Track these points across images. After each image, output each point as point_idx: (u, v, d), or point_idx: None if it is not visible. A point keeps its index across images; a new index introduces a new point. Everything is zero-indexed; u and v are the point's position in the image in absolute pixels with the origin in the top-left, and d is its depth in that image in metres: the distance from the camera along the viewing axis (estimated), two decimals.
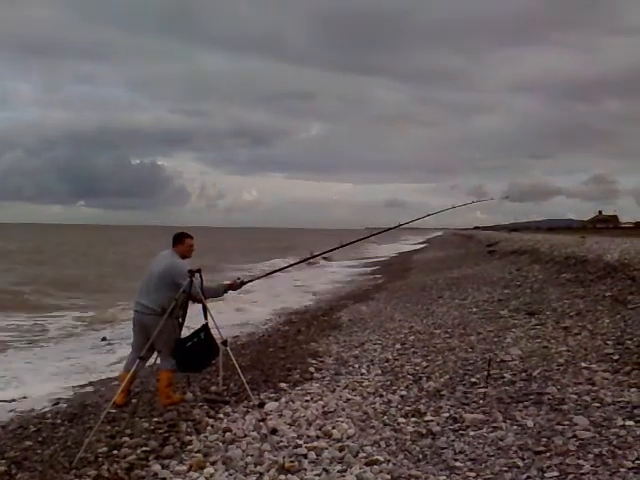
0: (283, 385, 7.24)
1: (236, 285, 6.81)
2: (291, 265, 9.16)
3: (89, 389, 8.59)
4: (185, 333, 6.64)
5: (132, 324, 6.81)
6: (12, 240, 70.21)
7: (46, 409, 7.37)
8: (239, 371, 6.12)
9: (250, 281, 7.03)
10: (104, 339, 12.81)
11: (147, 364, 6.77)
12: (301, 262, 9.34)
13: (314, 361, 8.50)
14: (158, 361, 6.72)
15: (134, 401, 6.92)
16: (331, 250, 8.90)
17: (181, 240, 6.80)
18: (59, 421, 6.68)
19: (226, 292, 6.88)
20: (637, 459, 4.25)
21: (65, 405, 7.50)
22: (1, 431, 6.53)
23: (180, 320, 6.61)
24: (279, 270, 8.62)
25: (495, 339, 8.79)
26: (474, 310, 11.89)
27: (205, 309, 6.44)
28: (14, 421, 6.95)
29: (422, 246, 64.98)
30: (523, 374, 6.66)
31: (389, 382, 7.02)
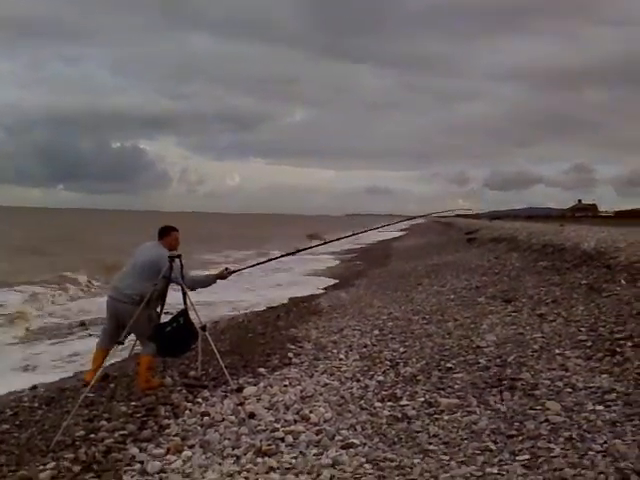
0: (262, 370, 7.28)
1: (224, 275, 6.86)
2: (281, 256, 9.24)
3: (68, 374, 8.57)
4: (164, 318, 6.67)
5: (106, 309, 6.83)
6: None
7: (23, 393, 7.34)
8: (218, 356, 6.16)
9: (238, 270, 7.09)
10: (82, 324, 12.75)
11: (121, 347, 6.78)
12: (291, 254, 9.35)
13: (293, 346, 8.56)
14: (139, 346, 6.75)
15: (112, 385, 6.93)
16: (322, 244, 9.13)
17: (168, 233, 6.87)
18: (36, 405, 6.67)
19: (215, 282, 6.94)
20: (605, 443, 4.36)
21: (42, 389, 7.48)
22: None
23: (159, 310, 6.67)
24: (267, 261, 8.59)
25: (472, 325, 8.90)
26: (452, 297, 12.02)
27: (185, 295, 6.47)
28: None
29: (403, 234, 65.26)
30: (498, 360, 6.77)
31: (367, 367, 7.09)
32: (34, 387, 7.67)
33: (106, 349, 6.64)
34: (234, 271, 6.96)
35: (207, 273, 7.09)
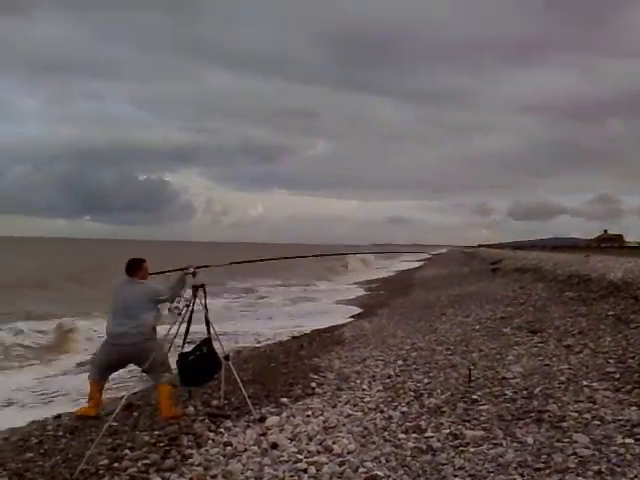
0: (285, 400, 7.24)
1: (191, 272, 6.66)
2: (256, 261, 8.82)
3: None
4: (188, 348, 6.69)
5: (106, 355, 6.82)
6: (34, 257, 68.08)
7: (48, 421, 7.38)
8: (240, 385, 6.14)
9: (205, 266, 6.90)
10: None
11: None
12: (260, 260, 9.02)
13: (316, 376, 8.51)
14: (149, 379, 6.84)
15: (135, 414, 6.95)
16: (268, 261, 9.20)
17: (140, 266, 6.90)
18: (61, 433, 6.69)
19: (184, 281, 6.76)
20: (636, 477, 4.25)
21: (67, 418, 7.51)
22: (3, 442, 6.55)
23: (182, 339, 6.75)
24: (241, 262, 8.14)
25: (497, 356, 8.79)
26: (477, 327, 11.89)
27: (208, 324, 6.50)
28: (16, 432, 6.97)
29: (425, 264, 64.89)
30: (524, 392, 6.66)
31: (390, 398, 7.03)
32: (58, 416, 7.70)
33: (102, 382, 6.79)
34: (200, 267, 6.76)
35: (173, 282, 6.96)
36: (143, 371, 6.65)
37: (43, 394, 9.54)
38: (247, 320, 18.96)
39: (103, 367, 6.90)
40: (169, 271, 7.22)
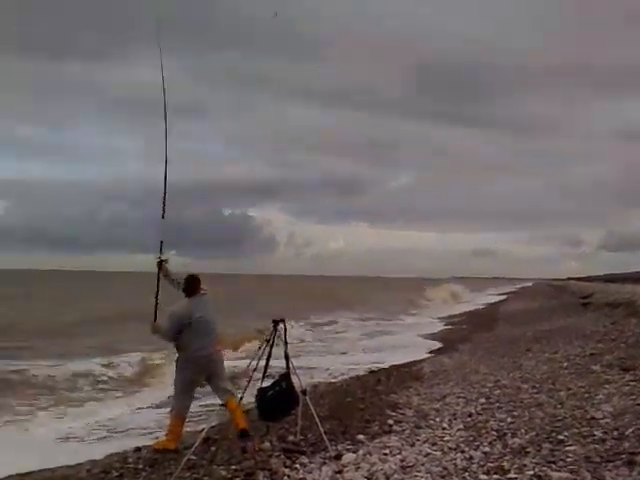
0: (361, 437, 7.11)
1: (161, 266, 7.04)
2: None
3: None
4: (266, 382, 6.74)
5: (190, 373, 7.01)
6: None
7: (128, 454, 7.56)
8: (317, 421, 6.10)
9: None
10: None
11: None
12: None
13: (393, 413, 8.33)
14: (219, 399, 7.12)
15: (213, 449, 7.00)
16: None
17: (200, 282, 7.14)
18: (141, 466, 6.83)
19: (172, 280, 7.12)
20: None
21: (146, 451, 7.67)
22: (85, 474, 6.75)
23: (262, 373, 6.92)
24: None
25: (586, 395, 8.31)
26: (565, 364, 11.32)
27: (287, 358, 6.53)
28: (97, 464, 7.17)
29: (510, 297, 62.91)
30: (615, 432, 6.24)
31: (472, 437, 6.76)
32: (138, 449, 7.86)
33: (184, 416, 6.96)
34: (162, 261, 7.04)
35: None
36: (212, 387, 6.84)
37: (124, 426, 9.80)
38: (323, 354, 18.92)
39: (186, 388, 7.05)
40: None
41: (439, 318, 34.53)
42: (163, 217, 7.10)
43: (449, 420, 7.71)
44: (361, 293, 72.25)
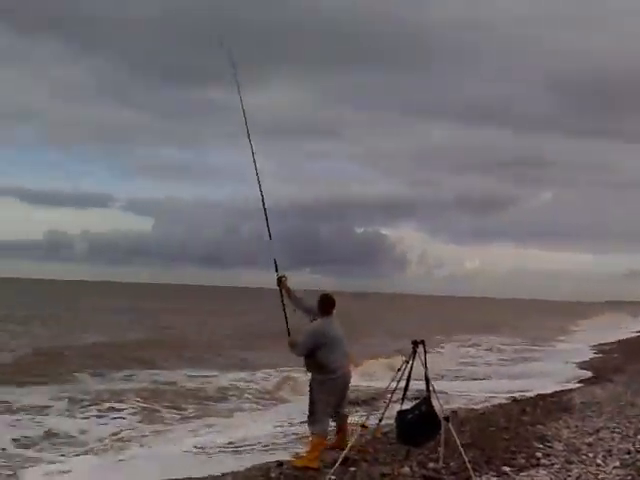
0: (506, 469, 6.78)
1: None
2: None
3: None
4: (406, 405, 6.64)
5: (331, 393, 7.08)
6: None
7: (271, 468, 7.72)
8: (461, 449, 5.91)
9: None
10: None
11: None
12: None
13: (541, 445, 7.87)
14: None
15: (352, 469, 6.99)
16: None
17: (335, 302, 7.16)
18: None
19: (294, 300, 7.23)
20: None
21: (286, 467, 7.80)
22: None
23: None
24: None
25: None
26: None
27: (427, 381, 6.41)
28: (239, 476, 7.37)
29: None
30: None
31: (630, 477, 6.24)
32: (280, 464, 8.01)
33: (327, 437, 7.10)
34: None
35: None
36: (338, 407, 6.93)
37: (263, 440, 10.04)
38: (463, 378, 18.36)
39: (328, 408, 7.15)
40: None
41: (590, 345, 32.36)
42: (270, 238, 7.40)
43: (603, 456, 7.19)
44: (502, 315, 69.53)
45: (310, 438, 7.36)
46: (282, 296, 7.25)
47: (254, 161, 7.73)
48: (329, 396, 7.08)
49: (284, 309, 7.24)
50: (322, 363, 7.01)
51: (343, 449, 6.90)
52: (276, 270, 7.29)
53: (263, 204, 7.60)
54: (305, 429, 8.24)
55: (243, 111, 7.88)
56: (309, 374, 7.30)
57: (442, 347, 28.52)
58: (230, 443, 9.84)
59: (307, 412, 7.42)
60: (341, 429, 7.52)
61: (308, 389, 7.35)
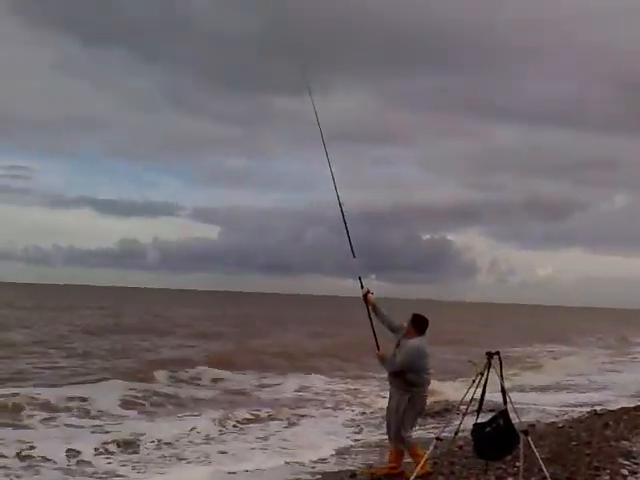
0: None
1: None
2: None
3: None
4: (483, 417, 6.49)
5: (418, 405, 7.06)
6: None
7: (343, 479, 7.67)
8: (541, 464, 5.72)
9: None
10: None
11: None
12: None
13: (627, 462, 7.52)
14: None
15: None
16: None
17: (428, 323, 7.16)
18: None
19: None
20: None
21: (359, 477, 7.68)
22: None
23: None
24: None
25: None
26: None
27: (504, 393, 6.25)
28: None
29: None
30: None
31: None
32: (353, 474, 7.93)
33: (402, 448, 7.09)
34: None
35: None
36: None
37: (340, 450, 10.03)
38: (538, 390, 17.79)
39: (414, 422, 7.19)
40: None
41: None
42: (354, 256, 7.42)
43: None
44: (581, 324, 67.19)
45: (393, 451, 7.29)
46: (369, 311, 7.28)
47: (332, 177, 7.79)
48: (414, 411, 7.02)
49: (371, 323, 7.26)
50: (413, 380, 6.99)
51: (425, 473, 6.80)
52: (361, 287, 7.34)
53: (345, 224, 7.60)
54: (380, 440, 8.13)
55: (318, 124, 7.96)
56: (391, 387, 7.25)
57: (518, 357, 27.78)
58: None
59: (388, 425, 7.35)
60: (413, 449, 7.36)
61: (389, 403, 7.26)
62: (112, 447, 9.72)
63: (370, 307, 7.30)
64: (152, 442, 10.11)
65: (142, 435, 10.42)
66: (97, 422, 11.63)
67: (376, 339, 7.21)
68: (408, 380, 6.96)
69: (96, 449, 9.48)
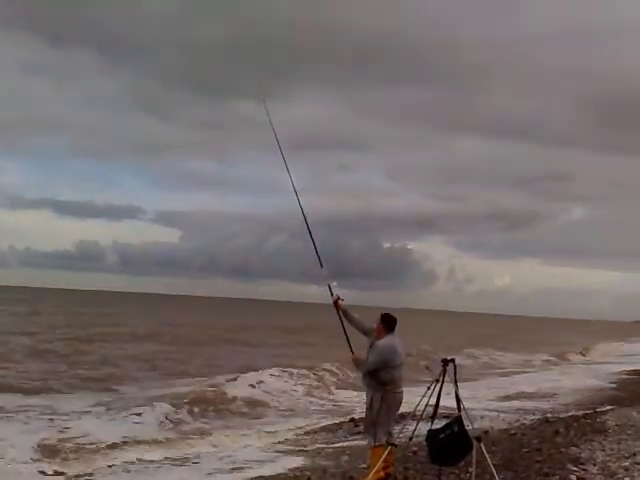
0: None
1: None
2: None
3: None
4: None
5: (392, 407, 7.02)
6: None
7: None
8: (493, 470, 5.80)
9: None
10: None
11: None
12: None
13: (575, 468, 7.69)
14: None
15: None
16: None
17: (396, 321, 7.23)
18: None
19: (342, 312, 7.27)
20: None
21: None
22: None
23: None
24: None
25: None
26: None
27: (458, 401, 6.32)
28: None
29: None
30: None
31: None
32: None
33: (385, 444, 6.87)
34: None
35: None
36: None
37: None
38: (492, 399, 18.05)
39: (390, 420, 7.10)
40: None
41: (622, 363, 31.67)
42: (322, 266, 7.53)
43: None
44: (531, 333, 68.55)
45: (372, 450, 7.25)
46: (340, 316, 7.34)
47: (294, 188, 7.88)
48: (389, 410, 7.02)
49: (343, 327, 7.32)
50: (387, 379, 6.99)
51: (387, 474, 6.80)
52: (331, 294, 7.43)
53: (311, 237, 7.68)
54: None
55: (277, 141, 8.09)
56: (366, 388, 7.25)
57: (470, 364, 28.17)
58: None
59: (365, 425, 7.39)
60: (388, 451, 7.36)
61: (366, 404, 7.26)
62: None
63: (341, 313, 7.36)
64: None
65: None
66: None
67: (349, 343, 7.26)
68: (380, 379, 6.97)
69: None
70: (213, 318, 62.40)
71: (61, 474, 8.94)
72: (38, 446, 9.97)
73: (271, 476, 8.40)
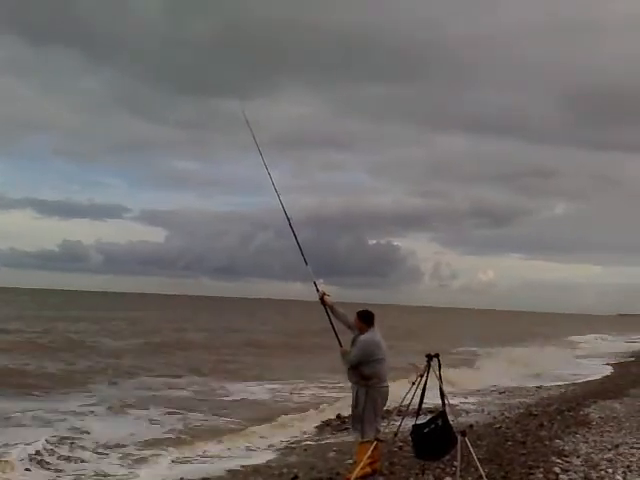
0: None
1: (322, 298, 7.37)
2: None
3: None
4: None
5: (379, 402, 7.05)
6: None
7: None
8: (478, 464, 5.84)
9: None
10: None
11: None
12: None
13: (559, 460, 7.77)
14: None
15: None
16: None
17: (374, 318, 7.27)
18: None
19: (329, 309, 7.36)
20: None
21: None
22: None
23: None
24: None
25: None
26: None
27: (443, 396, 6.35)
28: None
29: None
30: None
31: None
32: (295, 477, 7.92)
33: (372, 439, 6.86)
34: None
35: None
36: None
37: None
38: (474, 393, 18.17)
39: (376, 416, 7.09)
40: None
41: (604, 356, 31.98)
42: (306, 264, 7.62)
43: (623, 472, 7.10)
44: (515, 327, 69.01)
45: (359, 446, 7.27)
46: (327, 312, 7.42)
47: (274, 187, 7.97)
48: (375, 405, 7.04)
49: (331, 323, 7.37)
50: (370, 373, 7.01)
51: (374, 470, 6.83)
52: (317, 291, 7.49)
53: (294, 234, 7.74)
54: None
55: (256, 142, 8.17)
56: (351, 384, 7.27)
57: (454, 360, 28.24)
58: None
59: (352, 421, 7.41)
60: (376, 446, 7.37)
61: (352, 400, 7.27)
62: None
63: (328, 308, 7.40)
64: None
65: None
66: None
67: (337, 337, 7.30)
68: (363, 373, 7.00)
69: None
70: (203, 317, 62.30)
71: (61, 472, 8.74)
72: (38, 446, 9.77)
73: (258, 473, 8.40)
